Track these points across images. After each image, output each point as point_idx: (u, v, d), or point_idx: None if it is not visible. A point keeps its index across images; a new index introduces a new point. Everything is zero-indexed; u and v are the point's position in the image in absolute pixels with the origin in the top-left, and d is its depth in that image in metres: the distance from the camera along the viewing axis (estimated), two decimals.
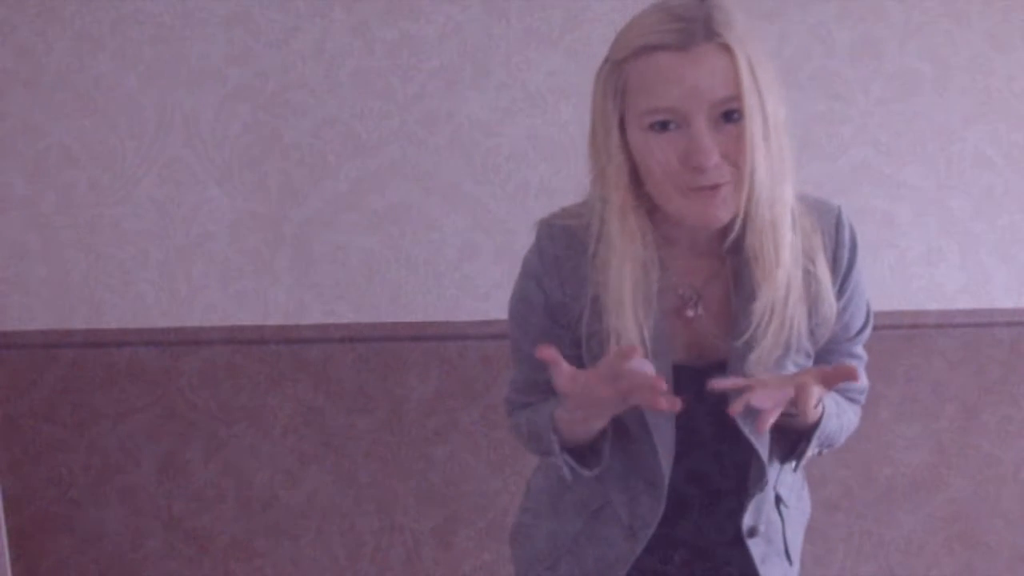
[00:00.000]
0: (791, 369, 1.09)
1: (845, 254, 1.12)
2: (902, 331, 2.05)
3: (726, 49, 0.96)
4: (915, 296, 2.05)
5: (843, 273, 1.12)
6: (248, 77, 1.95)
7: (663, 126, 0.98)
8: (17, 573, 2.07)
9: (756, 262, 1.03)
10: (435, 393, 2.02)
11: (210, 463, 2.05)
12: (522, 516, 1.34)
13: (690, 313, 1.10)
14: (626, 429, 1.14)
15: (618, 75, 1.01)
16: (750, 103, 0.96)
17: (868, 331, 1.20)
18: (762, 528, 1.19)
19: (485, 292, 2.00)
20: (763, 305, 1.03)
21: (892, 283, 2.04)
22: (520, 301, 1.19)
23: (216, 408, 2.03)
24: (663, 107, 0.97)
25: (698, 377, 1.04)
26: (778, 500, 1.23)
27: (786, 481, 1.24)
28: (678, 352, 1.11)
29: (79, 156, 1.96)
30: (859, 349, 1.22)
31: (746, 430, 1.11)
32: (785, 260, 1.02)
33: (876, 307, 2.02)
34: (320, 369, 2.02)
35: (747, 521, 1.18)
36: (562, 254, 1.12)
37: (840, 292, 1.12)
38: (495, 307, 1.98)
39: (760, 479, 1.15)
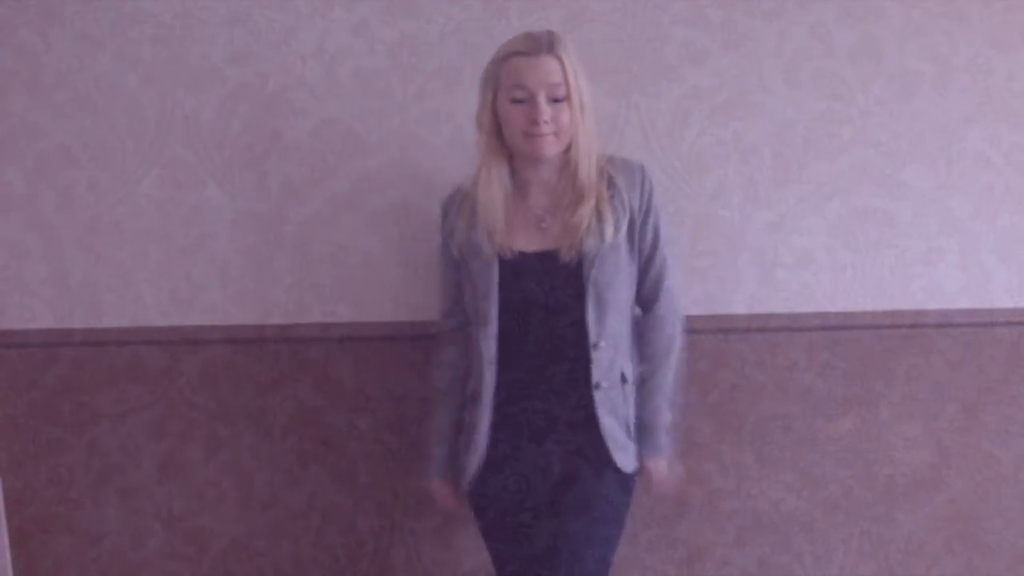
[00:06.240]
0: (618, 260, 1.68)
1: (646, 192, 1.73)
2: (902, 331, 2.05)
3: (558, 59, 1.62)
4: (915, 296, 2.05)
5: (646, 202, 1.73)
6: (248, 77, 1.95)
7: (519, 101, 1.63)
8: (17, 573, 2.07)
9: (576, 196, 1.68)
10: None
11: (210, 463, 2.05)
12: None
13: (543, 225, 1.71)
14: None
15: (495, 71, 1.66)
16: (569, 91, 1.62)
17: (663, 244, 1.78)
18: (605, 384, 1.69)
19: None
20: (581, 218, 1.66)
21: (892, 283, 2.04)
22: (439, 245, 1.82)
23: (216, 408, 2.03)
24: (520, 86, 1.63)
25: (537, 257, 1.68)
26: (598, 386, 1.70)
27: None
28: (530, 247, 1.69)
29: (79, 156, 1.96)
30: (663, 254, 1.78)
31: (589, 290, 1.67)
32: (590, 194, 1.67)
33: (876, 307, 2.03)
34: (320, 369, 2.02)
35: (594, 377, 1.68)
36: (451, 207, 1.77)
37: (645, 215, 1.73)
38: None
39: (598, 332, 1.67)
